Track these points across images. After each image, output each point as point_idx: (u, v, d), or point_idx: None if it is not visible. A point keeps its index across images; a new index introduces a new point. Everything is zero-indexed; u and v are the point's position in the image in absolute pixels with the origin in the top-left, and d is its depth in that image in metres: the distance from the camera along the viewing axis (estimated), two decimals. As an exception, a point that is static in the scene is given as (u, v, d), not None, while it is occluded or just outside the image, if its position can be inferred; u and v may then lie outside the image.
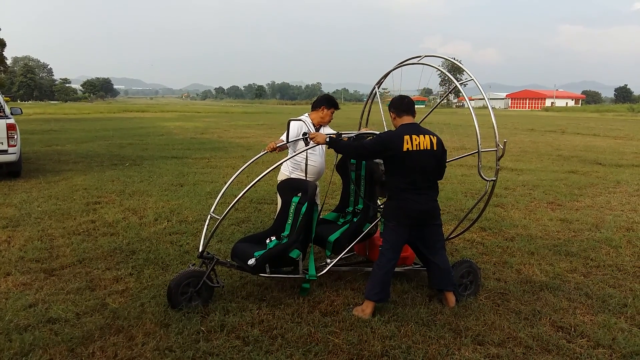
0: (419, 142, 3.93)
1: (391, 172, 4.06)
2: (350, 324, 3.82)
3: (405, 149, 3.88)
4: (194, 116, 40.93)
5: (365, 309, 3.98)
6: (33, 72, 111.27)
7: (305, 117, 4.99)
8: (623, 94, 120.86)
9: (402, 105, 4.13)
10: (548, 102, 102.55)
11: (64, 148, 15.27)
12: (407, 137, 3.91)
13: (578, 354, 3.47)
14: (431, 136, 4.01)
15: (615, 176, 11.38)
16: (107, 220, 6.73)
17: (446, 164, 4.23)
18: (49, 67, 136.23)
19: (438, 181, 4.18)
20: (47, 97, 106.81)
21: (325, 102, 5.01)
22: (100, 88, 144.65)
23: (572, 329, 3.84)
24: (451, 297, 4.19)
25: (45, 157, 13.08)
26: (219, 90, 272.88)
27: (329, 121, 5.07)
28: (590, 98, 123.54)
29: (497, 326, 3.85)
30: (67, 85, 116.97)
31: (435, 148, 4.00)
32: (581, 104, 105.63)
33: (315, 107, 5.04)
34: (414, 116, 4.15)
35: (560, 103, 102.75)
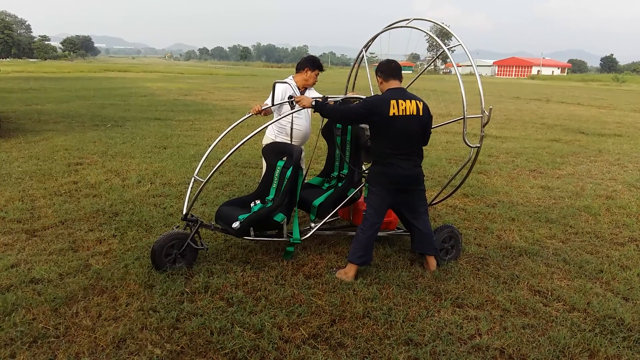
0: (405, 107, 3.91)
1: (376, 136, 4.05)
2: (333, 286, 3.87)
3: (391, 114, 3.87)
4: (177, 77, 40.19)
5: (348, 272, 4.03)
6: (10, 29, 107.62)
7: (290, 79, 4.91)
8: (609, 64, 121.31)
9: (389, 69, 4.09)
10: (534, 70, 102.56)
11: (44, 107, 14.92)
12: (393, 102, 3.89)
13: (554, 317, 3.58)
14: (417, 101, 3.99)
15: (597, 145, 11.53)
16: (90, 181, 6.66)
17: (431, 130, 4.23)
18: (27, 23, 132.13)
19: (423, 147, 4.19)
20: (26, 55, 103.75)
21: (309, 64, 4.89)
22: (80, 46, 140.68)
23: (549, 293, 3.94)
24: (432, 261, 4.26)
25: (24, 116, 12.78)
26: (203, 51, 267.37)
27: (313, 83, 4.97)
28: (576, 67, 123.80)
29: (476, 289, 3.94)
30: (46, 42, 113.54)
31: (421, 113, 3.99)
32: (567, 73, 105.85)
33: (299, 69, 4.94)
34: (401, 81, 4.12)
35: (546, 71, 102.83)
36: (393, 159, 3.99)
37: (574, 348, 3.19)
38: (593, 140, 12.28)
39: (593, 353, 3.17)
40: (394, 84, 4.06)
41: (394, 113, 3.87)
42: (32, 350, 2.96)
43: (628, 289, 4.07)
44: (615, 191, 7.29)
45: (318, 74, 4.94)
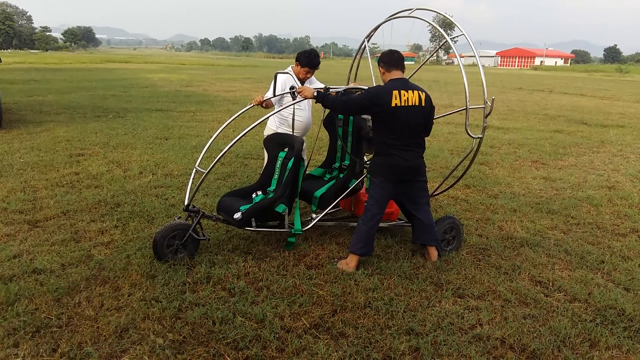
0: (408, 98, 3.89)
1: (378, 127, 4.04)
2: (334, 277, 3.88)
3: (393, 104, 3.85)
4: (178, 68, 40.09)
5: (349, 263, 4.04)
6: (12, 20, 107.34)
7: (289, 69, 4.89)
8: (612, 54, 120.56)
9: (391, 59, 4.06)
10: (537, 61, 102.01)
11: (45, 99, 14.91)
12: (395, 92, 3.87)
13: (555, 307, 3.58)
14: (420, 92, 3.97)
15: (600, 136, 11.49)
16: (91, 172, 6.66)
17: (433, 120, 4.21)
18: (28, 14, 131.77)
19: (425, 138, 4.17)
20: (27, 46, 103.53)
21: (299, 58, 4.81)
22: (81, 37, 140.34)
23: (550, 284, 3.95)
24: (433, 252, 4.27)
25: (26, 107, 12.78)
26: (205, 42, 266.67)
27: (304, 78, 4.88)
28: (580, 58, 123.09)
29: (477, 280, 3.94)
30: (47, 33, 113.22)
31: (423, 104, 3.97)
32: (570, 64, 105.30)
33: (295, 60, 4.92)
34: (403, 71, 4.10)
35: (549, 62, 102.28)
36: (395, 149, 3.98)
37: (575, 338, 3.20)
38: (596, 132, 12.24)
39: (594, 343, 3.18)
40: (396, 74, 4.04)
41: (396, 103, 3.85)
42: (35, 339, 2.97)
43: (629, 280, 4.07)
44: (617, 182, 7.28)
45: (309, 71, 4.84)
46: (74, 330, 3.08)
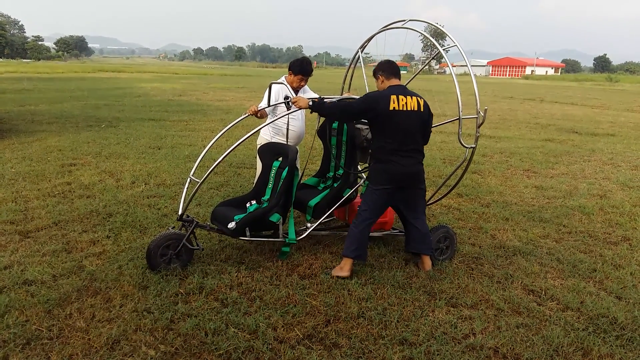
0: (406, 103, 3.92)
1: (377, 133, 4.04)
2: (327, 287, 3.87)
3: (391, 108, 3.87)
4: (171, 77, 40.05)
5: (343, 267, 4.04)
6: (4, 29, 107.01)
7: (283, 79, 4.90)
8: (602, 64, 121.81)
9: (390, 68, 4.13)
10: (528, 71, 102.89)
11: (37, 108, 14.84)
12: (393, 97, 3.90)
13: (547, 316, 3.59)
14: (418, 98, 4.01)
15: (591, 145, 11.59)
16: (83, 182, 6.63)
17: (431, 129, 4.23)
18: (20, 23, 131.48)
19: (423, 145, 4.18)
20: (19, 55, 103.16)
21: (292, 67, 4.84)
22: (74, 46, 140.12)
23: (543, 293, 3.96)
24: (427, 261, 4.27)
25: (18, 117, 12.71)
26: (198, 51, 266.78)
27: (298, 87, 4.91)
28: (570, 67, 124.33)
29: (470, 289, 3.95)
30: (39, 43, 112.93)
31: (422, 110, 4.00)
32: (561, 73, 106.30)
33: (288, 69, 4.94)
34: (400, 80, 4.15)
35: (540, 71, 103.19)
36: (394, 155, 3.97)
37: (568, 347, 3.21)
38: (586, 140, 12.34)
39: (586, 352, 3.19)
40: (395, 82, 4.09)
41: (394, 107, 3.87)
42: (26, 352, 2.94)
43: (621, 288, 4.09)
44: (608, 190, 7.33)
45: (302, 78, 4.86)
46: (65, 342, 3.05)
